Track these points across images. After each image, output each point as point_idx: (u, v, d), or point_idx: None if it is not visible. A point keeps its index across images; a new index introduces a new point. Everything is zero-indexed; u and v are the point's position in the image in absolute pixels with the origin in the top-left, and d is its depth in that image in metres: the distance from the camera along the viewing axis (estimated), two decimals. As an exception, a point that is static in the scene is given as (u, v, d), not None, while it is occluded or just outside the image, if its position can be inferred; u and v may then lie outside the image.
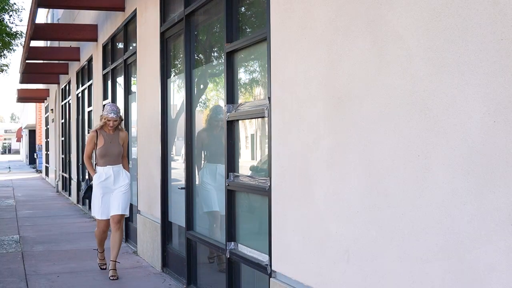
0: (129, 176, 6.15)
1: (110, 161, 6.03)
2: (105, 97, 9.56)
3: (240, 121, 4.36)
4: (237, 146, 4.40)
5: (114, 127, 6.06)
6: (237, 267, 4.39)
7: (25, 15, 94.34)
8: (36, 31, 9.78)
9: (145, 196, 6.84)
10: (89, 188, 6.26)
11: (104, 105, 6.13)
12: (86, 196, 6.39)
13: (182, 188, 5.45)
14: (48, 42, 18.62)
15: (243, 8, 4.47)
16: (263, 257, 3.86)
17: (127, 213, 6.14)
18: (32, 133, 37.17)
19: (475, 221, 2.08)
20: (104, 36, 9.49)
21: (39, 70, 15.06)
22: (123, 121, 6.39)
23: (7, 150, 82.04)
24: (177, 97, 5.93)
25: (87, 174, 6.31)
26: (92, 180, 6.16)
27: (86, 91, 11.79)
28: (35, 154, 31.12)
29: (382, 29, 2.57)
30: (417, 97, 2.35)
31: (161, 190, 6.18)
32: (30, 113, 34.95)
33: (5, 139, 78.34)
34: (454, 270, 2.17)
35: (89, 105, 11.38)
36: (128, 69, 8.00)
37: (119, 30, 8.38)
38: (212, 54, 5.22)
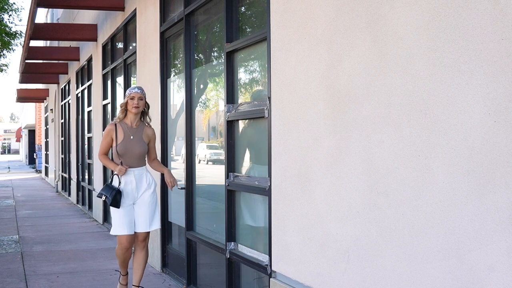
0: (154, 181, 4.84)
1: (131, 162, 4.70)
2: (104, 97, 9.55)
3: (240, 121, 4.35)
4: (237, 146, 4.40)
5: (139, 112, 4.77)
6: (237, 267, 4.39)
7: (25, 14, 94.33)
8: (36, 31, 9.77)
9: (145, 196, 6.83)
10: (119, 193, 4.63)
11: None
12: (114, 203, 4.60)
13: (182, 188, 5.45)
14: (48, 42, 18.62)
15: (243, 8, 4.47)
16: (263, 257, 3.86)
17: (159, 226, 4.87)
18: (31, 133, 37.16)
19: (475, 221, 2.07)
20: (103, 36, 9.49)
21: (39, 70, 15.05)
22: (149, 110, 4.94)
23: (7, 150, 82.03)
24: (177, 97, 5.92)
25: (110, 176, 4.96)
26: (112, 179, 4.77)
27: (85, 91, 11.79)
28: (34, 154, 31.11)
29: (382, 29, 2.56)
30: (417, 97, 2.35)
31: (161, 190, 6.17)
32: (29, 113, 34.94)
33: (4, 139, 78.32)
34: (454, 270, 2.17)
35: (89, 105, 11.38)
36: (128, 69, 8.00)
37: (119, 30, 8.38)
38: (212, 54, 5.21)
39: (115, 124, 4.81)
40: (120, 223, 4.66)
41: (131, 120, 4.80)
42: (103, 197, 4.63)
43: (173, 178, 4.84)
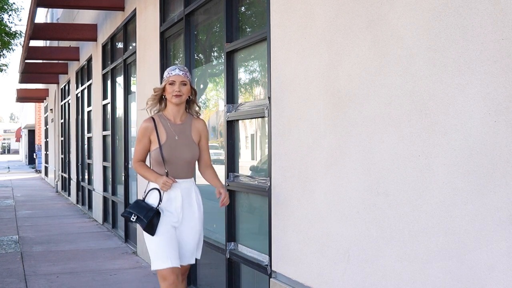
0: (200, 201, 3.60)
1: (177, 171, 3.47)
2: (104, 97, 9.55)
3: (240, 121, 4.35)
4: (237, 146, 4.40)
5: (183, 102, 3.52)
6: (237, 268, 4.39)
7: (25, 14, 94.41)
8: (36, 30, 9.77)
9: (145, 196, 6.83)
10: (157, 214, 3.42)
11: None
12: (149, 227, 3.42)
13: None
14: (48, 41, 18.61)
15: (243, 7, 4.47)
16: (263, 258, 3.85)
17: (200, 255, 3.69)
18: (31, 133, 37.16)
19: (475, 221, 2.07)
20: (103, 35, 9.49)
21: (39, 70, 15.05)
22: (197, 95, 3.67)
23: (6, 150, 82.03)
24: (176, 97, 5.92)
25: (148, 189, 3.56)
26: (147, 195, 3.53)
27: (85, 91, 11.79)
28: (34, 154, 31.11)
29: (382, 29, 2.56)
30: (417, 97, 2.35)
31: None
32: (29, 113, 34.94)
33: (4, 139, 78.30)
34: (454, 271, 2.17)
35: (89, 105, 11.38)
36: (127, 69, 7.99)
37: (119, 29, 8.37)
38: (212, 54, 5.21)
39: (153, 119, 3.51)
40: (162, 253, 3.40)
41: (173, 114, 3.53)
42: (133, 218, 3.43)
43: (227, 197, 3.61)
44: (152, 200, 3.48)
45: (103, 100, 9.61)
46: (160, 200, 3.44)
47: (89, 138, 11.40)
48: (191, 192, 3.53)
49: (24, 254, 7.21)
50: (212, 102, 5.22)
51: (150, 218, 3.39)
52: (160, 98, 3.56)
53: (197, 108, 3.63)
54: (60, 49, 13.44)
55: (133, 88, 7.75)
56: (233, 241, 4.34)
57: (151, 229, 3.41)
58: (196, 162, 3.68)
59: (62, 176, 16.25)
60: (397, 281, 2.49)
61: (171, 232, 3.46)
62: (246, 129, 4.38)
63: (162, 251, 3.40)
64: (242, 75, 4.41)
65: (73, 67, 13.39)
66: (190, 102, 3.59)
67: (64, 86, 15.64)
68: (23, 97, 22.70)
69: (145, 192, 3.55)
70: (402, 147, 2.45)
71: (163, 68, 6.04)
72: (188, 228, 3.53)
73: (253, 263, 3.95)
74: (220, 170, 4.66)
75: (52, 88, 18.96)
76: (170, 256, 3.38)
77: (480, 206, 2.05)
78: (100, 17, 9.73)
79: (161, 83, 3.60)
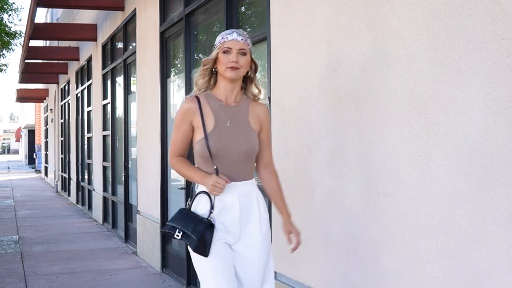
0: (265, 209, 2.64)
1: (230, 169, 2.53)
2: (104, 97, 9.55)
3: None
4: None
5: (240, 77, 2.58)
6: (237, 267, 4.38)
7: (24, 14, 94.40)
8: (35, 30, 9.77)
9: (145, 196, 6.83)
10: (210, 228, 2.48)
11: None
12: (200, 247, 2.47)
13: (182, 188, 5.44)
14: (47, 41, 18.62)
15: (243, 7, 4.47)
16: (263, 257, 3.85)
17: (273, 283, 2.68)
18: (31, 133, 37.16)
19: (475, 221, 2.07)
20: (103, 35, 9.49)
21: (38, 70, 15.05)
22: (257, 71, 2.68)
23: (6, 150, 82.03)
24: (177, 97, 5.92)
25: (195, 194, 2.60)
26: (193, 201, 2.57)
27: (85, 91, 11.79)
28: (34, 154, 31.11)
29: (382, 29, 2.56)
30: (417, 97, 2.35)
31: (161, 191, 6.17)
32: (29, 113, 34.93)
33: (4, 139, 78.30)
34: (454, 271, 2.17)
35: (89, 105, 11.38)
36: (127, 69, 7.99)
37: (119, 29, 8.38)
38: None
39: (198, 99, 2.64)
40: (216, 279, 2.47)
41: (226, 92, 2.62)
42: (178, 235, 2.51)
43: (295, 231, 2.71)
44: (201, 208, 2.54)
45: (103, 100, 9.60)
46: (212, 207, 2.51)
47: (89, 138, 11.40)
48: (252, 198, 2.57)
49: (24, 254, 7.21)
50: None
51: (201, 234, 2.45)
52: (210, 72, 2.65)
53: (256, 91, 2.68)
54: (60, 49, 13.44)
55: (133, 88, 7.74)
56: (233, 241, 4.34)
57: (203, 249, 2.47)
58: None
59: (62, 176, 16.25)
60: (397, 281, 2.49)
61: (225, 251, 2.52)
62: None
63: (218, 277, 2.46)
64: (242, 75, 4.40)
65: (73, 67, 13.39)
66: (247, 80, 2.65)
67: (64, 86, 15.64)
68: (23, 97, 22.69)
69: (191, 199, 2.61)
70: (402, 147, 2.45)
71: (163, 68, 6.04)
72: (248, 248, 2.56)
73: (253, 263, 3.94)
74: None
75: (52, 88, 18.96)
76: (226, 282, 2.45)
77: (480, 206, 2.05)
78: (100, 17, 9.73)
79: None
